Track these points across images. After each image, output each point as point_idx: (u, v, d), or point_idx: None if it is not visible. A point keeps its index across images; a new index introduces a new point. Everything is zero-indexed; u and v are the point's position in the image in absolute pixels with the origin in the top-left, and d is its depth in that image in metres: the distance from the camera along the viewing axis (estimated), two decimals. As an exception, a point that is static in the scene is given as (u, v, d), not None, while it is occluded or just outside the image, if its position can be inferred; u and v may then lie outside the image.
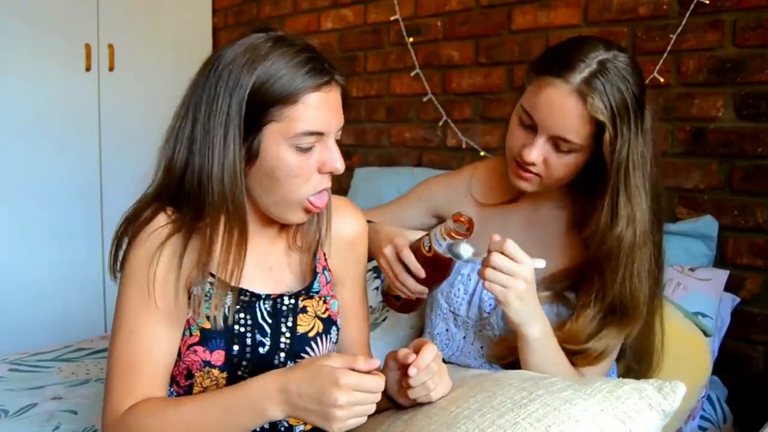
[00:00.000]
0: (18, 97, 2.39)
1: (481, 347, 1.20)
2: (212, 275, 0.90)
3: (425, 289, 1.03)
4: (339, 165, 0.91)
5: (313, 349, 0.98)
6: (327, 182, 0.93)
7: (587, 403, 0.82)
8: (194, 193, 0.89)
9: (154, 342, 0.90)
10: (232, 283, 0.91)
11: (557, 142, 1.05)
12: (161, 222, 0.91)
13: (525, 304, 1.00)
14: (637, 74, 1.05)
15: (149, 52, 2.73)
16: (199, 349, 0.91)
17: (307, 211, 0.93)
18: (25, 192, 2.43)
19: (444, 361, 1.25)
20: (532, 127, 1.07)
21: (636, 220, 1.04)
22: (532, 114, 1.06)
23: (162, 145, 0.92)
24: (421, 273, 1.00)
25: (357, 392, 0.78)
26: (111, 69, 2.62)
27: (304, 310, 0.99)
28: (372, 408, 0.81)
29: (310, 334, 0.98)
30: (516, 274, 0.97)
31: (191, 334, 0.92)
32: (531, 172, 1.08)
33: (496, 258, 0.97)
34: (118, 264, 0.93)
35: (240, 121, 0.86)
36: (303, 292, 1.00)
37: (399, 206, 1.36)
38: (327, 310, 1.02)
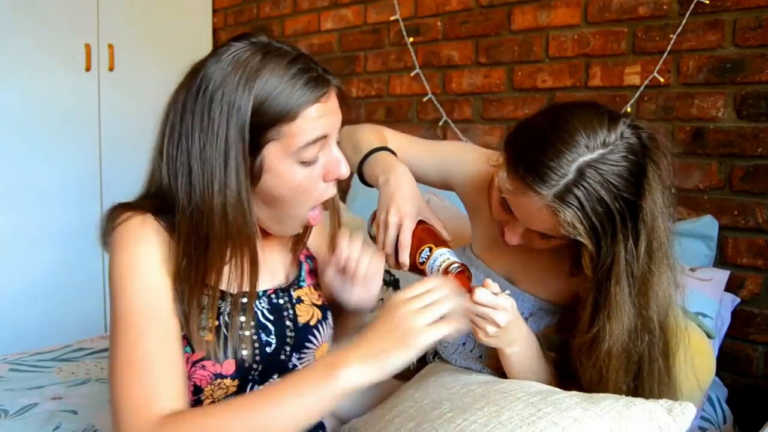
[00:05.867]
0: (18, 97, 2.39)
1: (480, 356, 1.20)
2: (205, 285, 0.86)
3: (397, 268, 1.05)
4: (344, 170, 0.89)
5: (315, 337, 0.98)
6: (333, 190, 0.91)
7: (596, 424, 0.81)
8: (199, 227, 0.82)
9: (168, 347, 0.81)
10: (233, 291, 0.87)
11: (540, 232, 1.00)
12: (153, 229, 0.85)
13: (498, 340, 1.00)
14: (634, 168, 0.92)
15: (149, 52, 2.73)
16: (208, 363, 0.86)
17: (306, 225, 0.93)
18: (24, 192, 2.43)
19: (445, 362, 1.25)
20: (512, 212, 1.01)
21: (613, 337, 0.95)
22: (510, 205, 1.00)
23: (153, 165, 0.87)
24: (405, 267, 1.03)
25: (417, 299, 0.78)
26: (111, 69, 2.62)
27: (299, 300, 0.98)
28: (444, 307, 0.78)
29: (312, 323, 0.98)
30: (486, 317, 0.97)
31: (194, 351, 0.85)
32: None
33: (467, 304, 0.97)
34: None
35: (243, 146, 0.81)
36: (294, 282, 1.00)
37: (422, 155, 1.26)
38: (320, 296, 1.02)
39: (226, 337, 0.86)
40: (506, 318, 0.97)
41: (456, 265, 0.98)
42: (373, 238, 1.09)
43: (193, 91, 0.83)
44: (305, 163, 0.85)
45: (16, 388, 1.43)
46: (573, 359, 1.03)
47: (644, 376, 0.99)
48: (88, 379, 1.51)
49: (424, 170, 1.24)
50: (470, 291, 0.98)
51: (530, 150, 0.94)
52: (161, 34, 2.79)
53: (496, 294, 0.97)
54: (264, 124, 0.81)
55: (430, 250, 1.01)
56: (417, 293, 0.80)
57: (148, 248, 0.83)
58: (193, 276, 0.83)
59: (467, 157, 1.24)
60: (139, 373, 0.78)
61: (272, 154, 0.83)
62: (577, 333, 1.01)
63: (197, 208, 0.82)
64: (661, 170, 0.94)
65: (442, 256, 1.00)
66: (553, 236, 0.99)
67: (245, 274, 0.86)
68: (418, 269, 1.02)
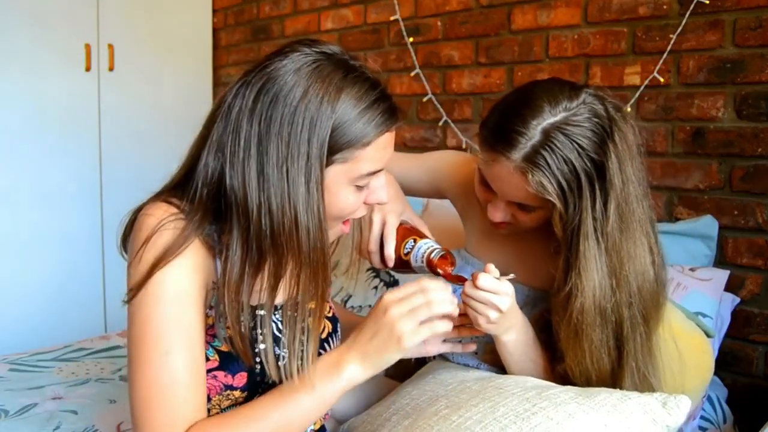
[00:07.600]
0: (18, 97, 2.39)
1: (476, 352, 1.20)
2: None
3: (381, 266, 1.06)
4: (385, 197, 0.90)
5: (325, 350, 0.96)
6: (366, 210, 0.92)
7: (591, 418, 0.81)
8: (273, 237, 0.80)
9: (194, 360, 0.80)
10: (259, 302, 0.85)
11: (519, 204, 1.03)
12: (200, 249, 0.82)
13: (497, 326, 1.00)
14: (598, 129, 0.96)
15: (149, 52, 2.73)
16: (220, 374, 0.85)
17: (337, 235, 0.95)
18: (25, 192, 2.43)
19: (444, 359, 1.25)
20: (491, 188, 1.05)
21: (584, 293, 0.97)
22: (487, 180, 1.04)
23: (201, 156, 0.82)
24: (390, 262, 1.04)
25: (405, 301, 0.84)
26: (111, 69, 2.61)
27: (311, 312, 0.95)
28: (434, 309, 0.84)
29: (323, 336, 0.97)
30: (488, 302, 0.97)
31: (208, 359, 0.84)
32: (503, 221, 1.08)
33: (469, 290, 0.97)
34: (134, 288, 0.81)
35: (321, 165, 0.80)
36: None
37: (410, 167, 1.32)
38: (330, 308, 1.02)
39: (241, 348, 0.83)
40: (508, 303, 0.98)
41: (438, 249, 0.99)
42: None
43: (270, 94, 0.80)
44: (359, 188, 0.86)
45: (16, 388, 1.43)
46: (552, 322, 1.05)
47: (626, 337, 1.00)
48: (88, 379, 1.52)
49: (415, 181, 1.29)
50: (450, 275, 0.99)
51: (499, 121, 1.01)
52: (161, 34, 2.79)
53: (497, 279, 0.98)
54: (338, 145, 0.81)
55: (414, 241, 1.02)
56: (405, 294, 0.85)
57: (182, 260, 0.80)
58: (242, 291, 0.80)
59: (453, 160, 1.30)
60: (167, 391, 0.78)
61: (334, 175, 0.83)
62: (553, 294, 1.04)
63: (272, 223, 0.79)
64: (629, 139, 0.98)
65: (426, 244, 1.01)
66: (532, 206, 1.02)
67: (318, 290, 0.84)
68: (402, 262, 1.03)
